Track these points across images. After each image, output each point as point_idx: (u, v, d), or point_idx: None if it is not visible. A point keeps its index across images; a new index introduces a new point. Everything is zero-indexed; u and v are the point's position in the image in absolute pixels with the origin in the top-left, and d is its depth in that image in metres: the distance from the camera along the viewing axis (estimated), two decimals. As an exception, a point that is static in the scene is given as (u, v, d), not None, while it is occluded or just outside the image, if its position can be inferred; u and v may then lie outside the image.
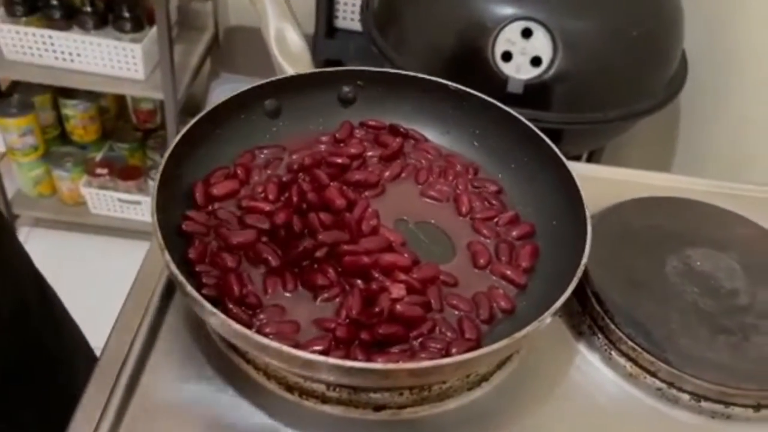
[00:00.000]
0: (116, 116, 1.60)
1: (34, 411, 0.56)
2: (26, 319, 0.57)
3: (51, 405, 0.57)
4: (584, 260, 0.41)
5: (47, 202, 1.55)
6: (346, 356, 0.38)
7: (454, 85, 0.54)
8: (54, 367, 0.61)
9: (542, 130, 0.51)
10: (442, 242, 0.48)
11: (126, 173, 1.49)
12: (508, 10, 0.91)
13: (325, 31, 1.35)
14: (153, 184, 0.42)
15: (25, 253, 0.59)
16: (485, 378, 0.43)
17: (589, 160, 1.32)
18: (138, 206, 1.50)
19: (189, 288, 0.36)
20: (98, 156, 1.52)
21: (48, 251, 1.53)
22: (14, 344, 0.55)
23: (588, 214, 0.44)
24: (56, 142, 1.53)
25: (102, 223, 1.53)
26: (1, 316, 0.54)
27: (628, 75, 0.97)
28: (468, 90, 0.54)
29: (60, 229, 1.57)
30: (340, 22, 1.37)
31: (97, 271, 1.49)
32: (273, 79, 0.52)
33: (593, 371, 0.45)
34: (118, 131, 1.57)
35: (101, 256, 1.54)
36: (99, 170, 1.48)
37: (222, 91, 1.48)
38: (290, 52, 0.57)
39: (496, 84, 0.91)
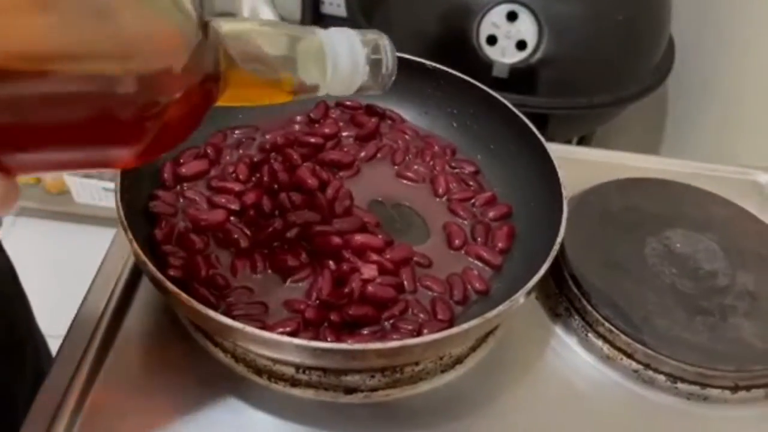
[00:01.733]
0: (101, 104, 1.58)
1: (6, 394, 0.55)
2: (7, 299, 0.56)
3: (19, 390, 0.57)
4: (559, 239, 0.40)
5: (31, 191, 1.53)
6: (315, 338, 0.38)
7: (432, 63, 0.53)
8: (24, 352, 0.60)
9: (528, 114, 0.50)
10: (417, 224, 0.47)
11: (111, 161, 1.48)
12: (492, -7, 0.89)
13: (311, 18, 1.33)
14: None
15: None
16: (459, 360, 0.42)
17: (579, 144, 1.31)
18: (123, 195, 1.48)
19: (151, 268, 0.35)
20: (82, 144, 1.50)
21: (32, 240, 1.51)
22: (1, 321, 0.54)
23: (565, 194, 0.43)
24: (40, 130, 1.51)
25: (86, 212, 1.51)
26: None
27: (614, 60, 0.96)
28: (446, 69, 0.53)
29: (44, 218, 1.55)
30: (327, 8, 1.35)
31: (82, 260, 1.48)
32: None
33: (569, 353, 0.45)
34: (103, 119, 1.55)
35: (85, 245, 1.52)
36: (83, 158, 1.46)
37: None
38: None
39: (481, 68, 0.90)
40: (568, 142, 1.26)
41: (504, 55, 0.90)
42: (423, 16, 0.95)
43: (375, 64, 0.33)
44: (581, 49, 0.92)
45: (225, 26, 0.28)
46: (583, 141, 1.31)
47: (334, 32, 0.33)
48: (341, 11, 1.32)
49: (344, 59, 0.32)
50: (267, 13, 0.55)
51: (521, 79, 0.91)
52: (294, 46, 0.31)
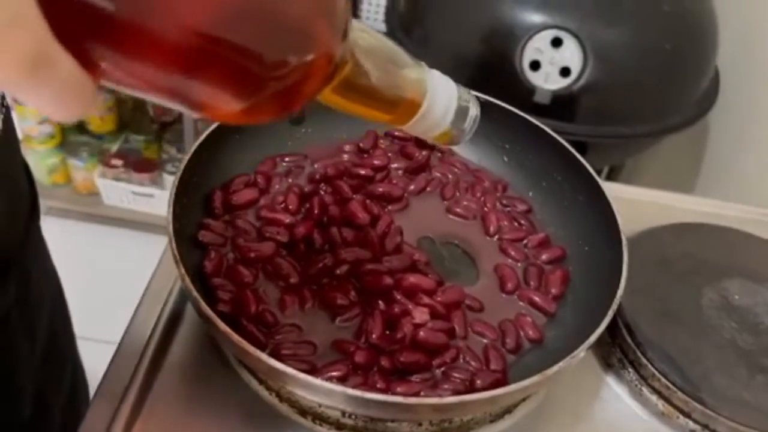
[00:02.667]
0: (133, 108, 1.59)
1: (44, 405, 0.55)
2: (54, 310, 0.56)
3: (55, 401, 0.57)
4: (619, 294, 0.39)
5: (61, 191, 1.54)
6: (365, 383, 0.37)
7: (484, 96, 0.52)
8: (64, 364, 0.60)
9: (567, 141, 0.49)
10: (467, 263, 0.46)
11: (140, 166, 1.48)
12: (537, 18, 0.88)
13: (347, 31, 1.33)
14: (170, 192, 0.40)
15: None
16: (509, 410, 0.41)
17: (609, 174, 1.29)
18: (151, 199, 1.48)
19: (203, 305, 0.34)
20: (114, 147, 1.51)
21: (59, 240, 1.51)
22: (47, 331, 0.54)
23: (625, 243, 0.42)
24: (73, 132, 1.52)
25: (114, 215, 1.52)
26: (44, 303, 0.53)
27: (658, 89, 0.94)
28: (499, 103, 0.52)
29: (72, 219, 1.57)
30: (363, 22, 1.35)
31: (108, 262, 1.48)
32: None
33: (622, 406, 0.43)
34: (135, 123, 1.56)
35: (112, 247, 1.53)
36: (114, 161, 1.47)
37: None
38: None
39: (523, 93, 0.89)
40: (599, 171, 1.24)
41: (547, 81, 0.89)
42: (465, 38, 0.94)
43: (458, 121, 0.32)
44: (626, 78, 0.90)
45: (356, 25, 0.28)
46: (613, 169, 1.29)
47: (437, 73, 0.32)
48: (378, 25, 1.32)
49: (441, 101, 0.31)
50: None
51: (563, 105, 0.89)
52: (401, 68, 0.31)
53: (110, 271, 1.45)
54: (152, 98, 0.23)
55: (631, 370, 0.44)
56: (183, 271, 0.36)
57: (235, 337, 0.34)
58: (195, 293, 0.35)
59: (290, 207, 0.45)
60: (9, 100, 0.43)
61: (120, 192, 1.48)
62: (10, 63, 0.17)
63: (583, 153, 0.97)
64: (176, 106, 0.24)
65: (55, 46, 0.18)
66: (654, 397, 0.42)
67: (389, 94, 0.31)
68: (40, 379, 0.52)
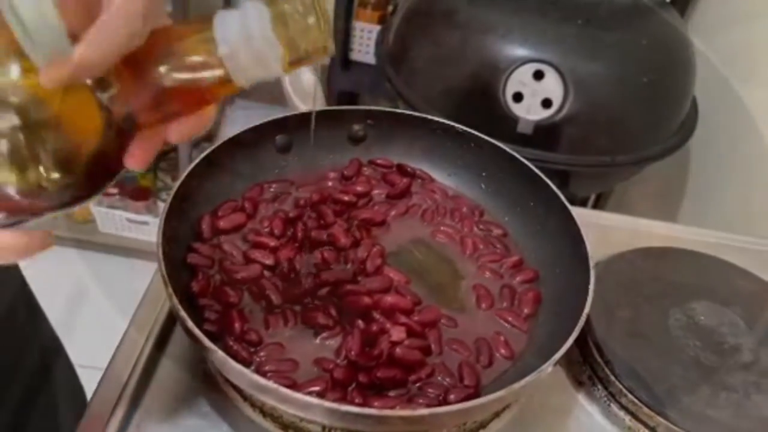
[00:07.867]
0: (130, 137, 1.62)
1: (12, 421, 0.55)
2: (14, 324, 0.57)
3: (29, 419, 0.57)
4: (585, 312, 0.41)
5: (57, 218, 1.56)
6: (343, 398, 0.38)
7: (462, 127, 0.55)
8: (33, 381, 0.60)
9: (550, 171, 0.52)
10: (444, 284, 0.48)
11: (136, 194, 1.51)
12: (520, 52, 0.92)
13: (340, 63, 1.37)
14: (160, 216, 0.42)
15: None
16: (483, 425, 0.43)
17: (596, 202, 1.32)
18: (146, 226, 1.50)
19: (190, 324, 0.36)
20: (110, 175, 1.54)
21: (55, 267, 1.53)
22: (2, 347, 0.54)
23: (591, 264, 0.44)
24: (70, 160, 1.55)
25: (110, 242, 1.54)
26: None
27: (637, 120, 0.98)
28: (476, 133, 0.55)
29: (68, 246, 1.58)
30: (355, 55, 1.39)
31: (103, 289, 1.50)
32: (285, 115, 0.53)
33: (592, 423, 0.45)
34: (131, 152, 1.59)
35: (107, 274, 1.54)
36: (110, 189, 1.50)
37: (236, 116, 1.50)
38: (302, 88, 0.58)
39: (506, 124, 0.92)
40: (586, 199, 1.27)
41: (529, 113, 0.92)
42: (451, 72, 0.97)
43: (287, 33, 0.27)
44: (606, 109, 0.94)
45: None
46: (600, 198, 1.32)
47: (224, 15, 0.27)
48: (370, 58, 1.36)
49: (234, 37, 0.27)
50: (306, 72, 0.57)
51: (545, 136, 0.93)
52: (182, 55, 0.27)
53: (105, 298, 1.46)
54: None
55: (600, 387, 0.46)
56: (171, 290, 0.38)
57: (220, 353, 0.36)
58: (182, 312, 0.37)
59: (275, 231, 0.47)
60: None
61: (115, 220, 1.50)
62: None
63: (565, 182, 0.99)
64: None
65: None
66: (622, 413, 0.44)
67: (191, 81, 0.27)
68: None
